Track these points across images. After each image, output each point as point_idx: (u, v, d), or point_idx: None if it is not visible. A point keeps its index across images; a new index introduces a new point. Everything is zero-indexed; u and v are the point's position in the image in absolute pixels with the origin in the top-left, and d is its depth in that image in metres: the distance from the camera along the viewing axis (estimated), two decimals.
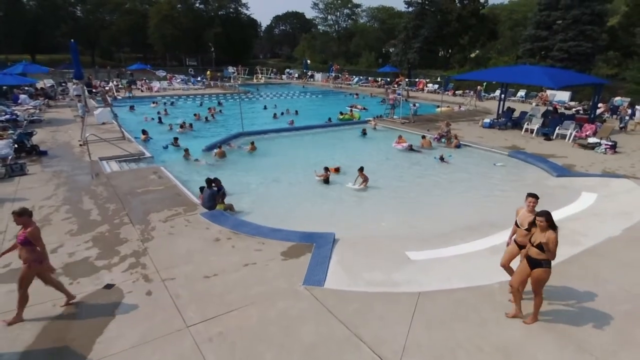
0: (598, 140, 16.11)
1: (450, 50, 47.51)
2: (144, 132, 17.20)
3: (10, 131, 14.72)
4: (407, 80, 23.85)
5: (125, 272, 6.58)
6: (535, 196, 5.75)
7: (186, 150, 14.82)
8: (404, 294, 6.06)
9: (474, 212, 10.05)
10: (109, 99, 17.67)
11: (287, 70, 57.44)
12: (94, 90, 16.42)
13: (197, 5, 61.69)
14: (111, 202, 9.55)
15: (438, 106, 28.64)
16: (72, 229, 8.11)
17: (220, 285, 6.27)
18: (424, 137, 16.96)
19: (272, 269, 6.72)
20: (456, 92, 35.64)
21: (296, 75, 55.19)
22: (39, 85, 31.62)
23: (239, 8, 67.30)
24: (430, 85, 39.34)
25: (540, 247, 5.10)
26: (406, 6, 46.13)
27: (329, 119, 22.52)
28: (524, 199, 5.92)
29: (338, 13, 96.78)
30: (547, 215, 5.14)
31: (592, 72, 31.74)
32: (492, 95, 33.21)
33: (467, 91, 35.31)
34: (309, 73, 52.53)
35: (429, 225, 9.18)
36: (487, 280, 6.50)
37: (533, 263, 5.25)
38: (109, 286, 6.22)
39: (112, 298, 5.94)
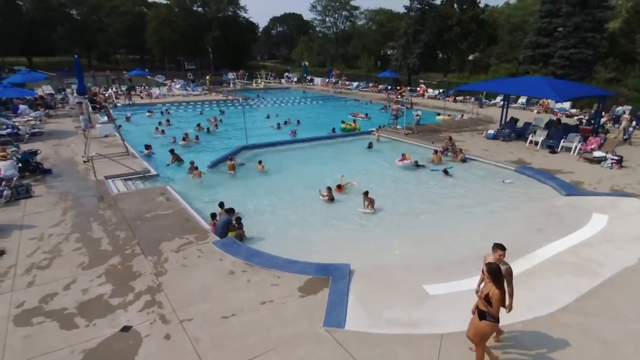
0: (604, 154, 16.12)
1: (450, 55, 47.53)
2: (147, 146, 17.06)
3: (13, 148, 14.52)
4: (409, 88, 23.66)
5: (142, 312, 6.47)
6: (502, 248, 5.66)
7: (191, 166, 14.69)
8: (426, 337, 6.00)
9: (486, 236, 9.91)
10: (110, 110, 17.40)
11: (286, 74, 57.32)
12: (97, 106, 16.22)
13: (196, 7, 61.31)
14: (121, 229, 9.43)
15: (439, 114, 28.69)
16: (84, 261, 7.98)
17: (239, 326, 6.18)
18: (435, 152, 16.87)
19: (291, 308, 6.63)
20: (457, 98, 35.67)
21: (295, 79, 55.10)
22: (38, 92, 31.36)
23: (238, 11, 67.03)
24: (430, 90, 39.31)
25: (487, 298, 4.91)
26: (406, 10, 46.14)
27: (333, 130, 22.42)
28: (491, 248, 5.76)
29: (336, 15, 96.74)
30: (492, 272, 4.93)
31: (592, 76, 31.85)
32: (492, 102, 33.27)
33: (468, 97, 35.37)
34: (309, 77, 52.43)
35: (442, 251, 9.12)
36: (508, 319, 6.42)
37: (480, 314, 5.09)
38: (126, 328, 6.11)
39: (130, 342, 5.83)
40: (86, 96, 15.73)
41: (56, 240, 8.85)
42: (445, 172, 15.10)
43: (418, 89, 40.11)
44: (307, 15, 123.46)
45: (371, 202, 11.20)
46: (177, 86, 42.38)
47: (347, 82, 47.75)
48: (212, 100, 35.60)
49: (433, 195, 12.99)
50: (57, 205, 10.85)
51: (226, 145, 19.79)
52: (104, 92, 35.03)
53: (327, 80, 49.04)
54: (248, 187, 13.78)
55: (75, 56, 14.32)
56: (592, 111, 26.12)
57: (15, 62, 78.82)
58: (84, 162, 14.92)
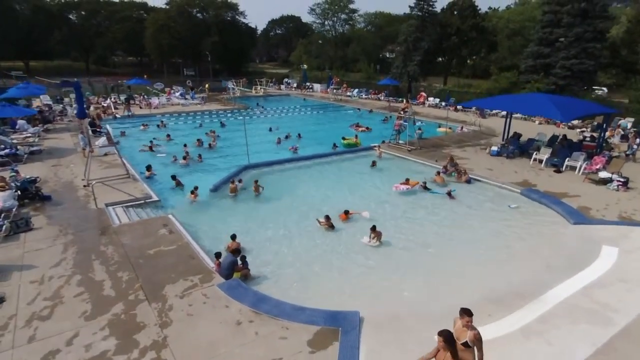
0: (609, 175, 15.98)
1: (451, 61, 47.43)
2: (148, 168, 16.80)
3: (12, 173, 14.26)
4: (410, 102, 23.46)
5: None
6: (469, 314, 5.61)
7: (193, 191, 14.49)
8: None
9: (496, 273, 9.83)
10: (110, 133, 17.15)
11: (286, 80, 57.13)
12: (98, 130, 15.94)
13: (195, 12, 61.03)
14: (123, 268, 9.21)
15: (440, 125, 28.55)
16: (86, 309, 7.77)
17: None
18: (438, 173, 16.70)
19: None
20: (458, 106, 35.52)
21: (295, 85, 54.94)
22: (36, 104, 31.11)
23: (237, 16, 66.79)
24: (431, 99, 39.16)
25: None
26: (407, 15, 45.92)
27: (334, 145, 22.23)
28: (459, 314, 5.72)
29: (335, 18, 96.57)
30: (447, 337, 5.32)
31: (592, 88, 31.80)
32: (494, 111, 33.13)
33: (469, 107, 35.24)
34: (308, 84, 52.27)
35: (452, 294, 8.90)
36: None
37: None
38: None
39: None
40: (87, 118, 15.46)
41: (57, 283, 8.62)
42: (449, 194, 14.95)
43: (418, 96, 39.99)
44: (306, 18, 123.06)
45: (378, 235, 11.00)
46: (177, 94, 42.14)
47: (347, 89, 47.61)
48: (212, 110, 35.34)
49: (439, 224, 12.77)
50: (57, 239, 10.61)
51: (227, 163, 19.59)
52: (102, 103, 34.79)
53: (327, 87, 48.91)
54: (248, 213, 13.54)
55: (76, 80, 14.04)
56: (595, 123, 26.05)
57: (12, 67, 78.51)
58: (84, 186, 14.67)
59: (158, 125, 27.68)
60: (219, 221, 12.89)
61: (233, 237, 10.96)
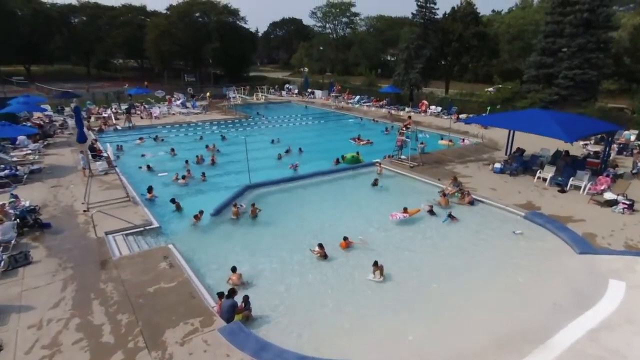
0: (615, 197, 15.80)
1: (453, 67, 47.24)
2: (149, 189, 16.66)
3: (11, 199, 14.15)
4: (412, 120, 23.32)
5: None
6: None
7: (196, 215, 14.39)
8: None
9: (502, 311, 9.67)
10: (111, 158, 16.98)
11: (287, 86, 56.98)
12: (97, 154, 15.80)
13: (196, 17, 60.88)
14: (123, 309, 9.08)
15: (442, 137, 28.37)
16: None
17: None
18: (443, 194, 16.50)
19: None
20: (460, 116, 35.35)
21: (296, 90, 54.80)
22: (36, 115, 31.03)
23: (237, 21, 66.64)
24: (432, 107, 38.97)
25: None
26: (409, 16, 45.79)
27: (336, 160, 22.07)
28: None
29: (336, 22, 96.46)
30: None
31: (595, 97, 31.57)
32: None
33: (471, 116, 35.03)
34: (310, 91, 52.14)
35: (457, 335, 8.77)
36: None
37: None
38: None
39: None
40: (86, 143, 15.34)
41: (56, 328, 8.49)
42: (450, 215, 14.84)
43: (420, 104, 39.82)
44: (307, 21, 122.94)
45: (380, 270, 10.84)
46: (178, 102, 42.04)
47: (349, 96, 47.46)
48: (213, 120, 35.21)
49: (442, 254, 12.57)
50: (56, 275, 10.49)
51: (229, 181, 19.44)
52: (103, 113, 34.70)
53: (329, 93, 48.78)
54: (249, 240, 13.35)
55: (76, 105, 13.93)
56: (598, 136, 25.83)
57: (13, 72, 78.55)
58: (84, 211, 14.56)
59: (155, 139, 27.30)
60: (220, 249, 12.76)
61: (233, 269, 10.87)
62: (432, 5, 41.22)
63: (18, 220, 12.78)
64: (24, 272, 10.63)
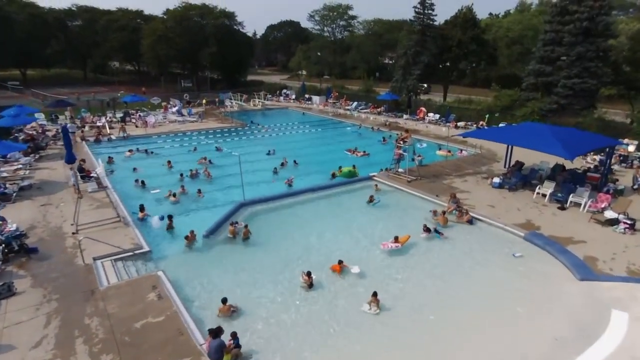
0: (615, 216, 15.50)
1: (452, 72, 46.96)
2: (141, 208, 16.27)
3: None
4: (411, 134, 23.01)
5: None
6: None
7: (187, 236, 14.07)
8: None
9: (502, 346, 9.34)
10: (101, 177, 16.55)
11: (284, 91, 56.64)
12: (86, 175, 15.41)
13: (194, 20, 60.46)
14: (107, 349, 8.71)
15: (440, 147, 28.06)
16: None
17: None
18: (443, 212, 16.16)
19: None
20: (458, 123, 35.09)
21: (293, 96, 54.45)
22: (29, 126, 30.62)
23: (235, 26, 66.28)
24: (431, 114, 38.68)
25: None
26: (405, 18, 45.53)
27: (333, 174, 21.72)
28: None
29: (334, 25, 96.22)
30: None
31: (594, 106, 31.32)
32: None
33: (469, 123, 34.79)
34: (307, 96, 51.83)
35: None
36: None
37: None
38: None
39: None
40: (75, 164, 15.01)
41: None
42: (436, 230, 14.86)
43: (418, 111, 39.54)
44: (305, 23, 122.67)
45: (376, 302, 10.49)
46: (173, 109, 41.66)
47: (347, 102, 47.18)
48: (209, 128, 34.84)
49: (439, 281, 12.19)
50: (40, 309, 10.12)
51: (223, 196, 19.12)
52: (97, 122, 34.31)
53: (326, 99, 48.46)
54: (241, 265, 13.00)
55: (64, 124, 13.56)
56: (601, 155, 25.44)
57: (8, 77, 78.05)
58: (73, 233, 14.19)
59: (146, 151, 26.64)
60: (211, 275, 12.41)
61: (224, 301, 10.53)
62: (429, 11, 40.95)
63: (3, 245, 12.42)
64: (7, 305, 10.26)
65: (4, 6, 68.51)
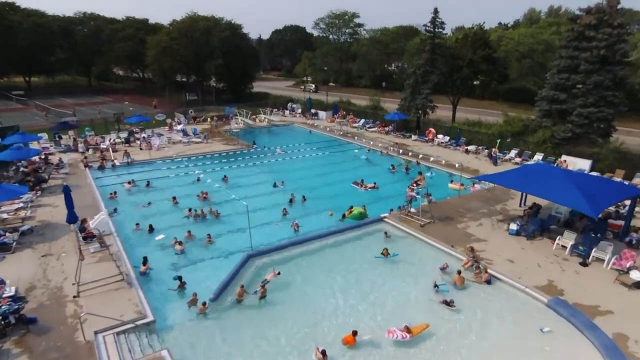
0: None
1: (461, 91, 46.13)
2: (144, 262, 15.62)
3: None
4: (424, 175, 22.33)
5: None
6: None
7: (194, 298, 13.48)
8: None
9: None
10: (103, 237, 15.83)
11: (290, 104, 55.98)
12: (88, 236, 14.75)
13: (199, 32, 59.93)
14: None
15: (452, 180, 27.30)
16: None
17: None
18: (459, 272, 15.34)
19: None
20: (468, 148, 34.31)
21: (299, 110, 53.78)
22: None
23: (241, 39, 65.73)
24: (440, 136, 37.91)
25: None
26: (410, 23, 44.70)
27: (343, 216, 20.99)
28: None
29: (340, 33, 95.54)
30: None
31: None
32: (507, 156, 31.91)
33: (480, 148, 33.99)
34: (313, 111, 51.17)
35: None
36: None
37: None
38: None
39: None
40: (77, 223, 14.44)
41: None
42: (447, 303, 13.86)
43: (427, 132, 38.77)
44: (311, 30, 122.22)
45: None
46: (178, 127, 41.09)
47: (354, 119, 46.48)
48: (214, 152, 34.20)
49: None
50: None
51: (231, 242, 18.44)
52: (101, 144, 33.79)
53: (333, 114, 47.75)
54: (250, 338, 12.35)
55: (65, 184, 12.98)
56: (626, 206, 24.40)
57: (13, 85, 77.96)
58: (74, 297, 13.59)
59: (147, 184, 25.69)
60: (219, 351, 11.77)
61: None
62: (440, 30, 40.16)
63: (0, 317, 11.82)
64: None
65: (8, 15, 68.34)
